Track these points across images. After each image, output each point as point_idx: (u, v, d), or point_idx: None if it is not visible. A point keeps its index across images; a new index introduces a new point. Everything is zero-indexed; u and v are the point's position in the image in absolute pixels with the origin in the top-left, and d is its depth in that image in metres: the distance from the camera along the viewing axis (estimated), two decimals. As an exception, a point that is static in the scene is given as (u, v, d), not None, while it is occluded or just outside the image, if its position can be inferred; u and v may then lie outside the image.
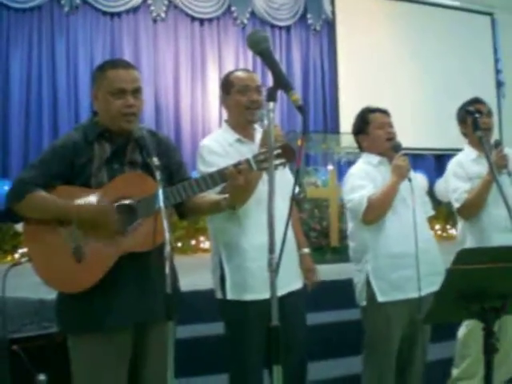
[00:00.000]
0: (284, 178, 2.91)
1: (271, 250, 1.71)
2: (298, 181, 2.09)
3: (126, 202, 2.36)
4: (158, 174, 2.22)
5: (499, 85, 12.55)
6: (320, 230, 7.13)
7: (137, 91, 2.47)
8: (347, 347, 4.24)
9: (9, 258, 7.52)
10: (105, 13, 9.64)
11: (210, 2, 10.30)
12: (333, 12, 11.20)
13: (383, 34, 11.32)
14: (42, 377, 3.00)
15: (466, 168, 3.57)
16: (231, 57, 10.50)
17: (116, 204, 2.37)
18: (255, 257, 2.75)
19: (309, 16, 11.16)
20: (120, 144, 2.48)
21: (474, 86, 10.04)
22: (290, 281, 2.92)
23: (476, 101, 3.64)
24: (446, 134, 8.88)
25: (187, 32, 10.30)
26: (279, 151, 2.35)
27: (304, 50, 11.27)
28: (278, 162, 2.34)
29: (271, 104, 1.78)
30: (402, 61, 11.36)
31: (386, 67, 11.10)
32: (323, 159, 8.55)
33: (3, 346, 3.04)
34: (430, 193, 3.35)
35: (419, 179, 3.38)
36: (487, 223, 3.48)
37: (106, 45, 9.64)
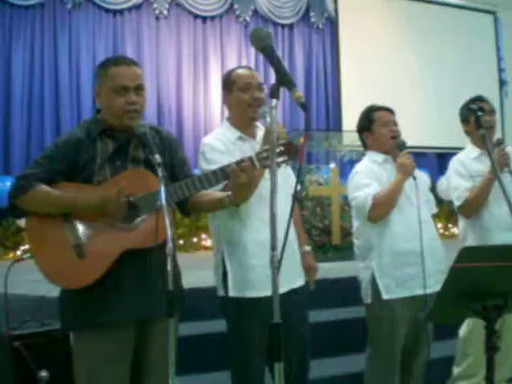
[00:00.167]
0: (286, 175, 2.91)
1: (273, 247, 1.71)
2: (299, 178, 2.08)
3: (128, 198, 2.36)
4: (159, 171, 2.22)
5: (502, 83, 12.55)
6: (322, 228, 7.12)
7: (139, 88, 2.47)
8: (350, 345, 4.25)
9: (11, 254, 7.53)
10: (107, 10, 9.67)
11: (212, -1, 10.32)
12: (335, 10, 11.20)
13: (386, 32, 11.32)
14: (43, 373, 3.01)
15: (467, 166, 3.56)
16: (234, 54, 10.51)
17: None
18: (257, 254, 2.75)
19: (311, 14, 11.17)
20: (123, 141, 2.49)
21: (476, 84, 10.04)
22: (293, 278, 2.92)
23: (478, 99, 3.64)
24: (448, 132, 8.89)
25: (189, 30, 10.31)
26: (282, 149, 2.35)
27: (307, 48, 11.27)
28: (280, 159, 2.33)
29: (274, 101, 1.78)
30: (404, 59, 11.35)
31: (389, 65, 11.10)
32: (325, 157, 8.53)
33: (5, 343, 3.05)
34: (432, 191, 3.35)
35: (423, 177, 3.39)
36: (488, 221, 3.47)
37: (109, 42, 9.66)
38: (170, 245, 2.05)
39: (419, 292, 3.06)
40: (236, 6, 10.52)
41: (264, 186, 2.64)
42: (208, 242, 8.20)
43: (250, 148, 2.84)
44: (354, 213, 3.40)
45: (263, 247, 2.30)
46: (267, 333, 1.74)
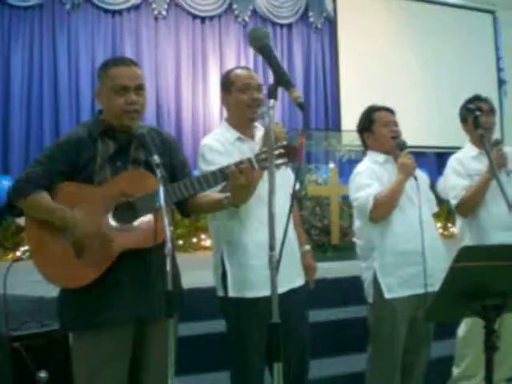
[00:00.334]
0: (285, 175, 2.91)
1: (271, 247, 1.71)
2: (298, 178, 2.08)
3: (127, 199, 2.37)
4: (158, 172, 2.22)
5: (501, 83, 12.56)
6: (321, 228, 7.12)
7: (139, 88, 2.48)
8: (349, 345, 4.25)
9: (10, 255, 7.51)
10: (106, 10, 9.67)
11: (211, -1, 10.32)
12: (334, 10, 11.21)
13: (384, 32, 11.32)
14: (42, 374, 3.01)
15: (465, 165, 3.57)
16: (232, 55, 10.51)
17: (116, 202, 2.37)
18: (257, 254, 2.75)
19: (310, 14, 11.18)
20: (123, 142, 2.50)
21: (475, 83, 10.04)
22: (292, 278, 2.92)
23: (477, 98, 3.64)
24: (447, 131, 8.90)
25: (188, 30, 10.31)
26: (282, 151, 2.34)
27: (305, 47, 11.28)
28: (280, 161, 2.33)
29: (272, 101, 1.78)
30: (403, 58, 11.35)
31: (388, 65, 11.10)
32: (324, 157, 8.54)
33: (4, 344, 3.05)
34: (432, 190, 3.36)
35: (422, 176, 3.40)
36: (486, 221, 3.48)
37: (108, 42, 9.67)
38: (169, 245, 2.06)
39: (421, 291, 3.07)
40: (235, 6, 10.52)
41: (263, 187, 2.63)
42: (207, 243, 8.19)
43: (248, 148, 2.84)
44: (356, 213, 3.41)
45: (262, 247, 2.30)
46: (266, 333, 1.74)
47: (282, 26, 11.06)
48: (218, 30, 10.55)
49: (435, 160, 11.36)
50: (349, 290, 4.59)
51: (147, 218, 2.35)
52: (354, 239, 3.52)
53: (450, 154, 3.75)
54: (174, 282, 2.07)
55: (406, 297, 3.16)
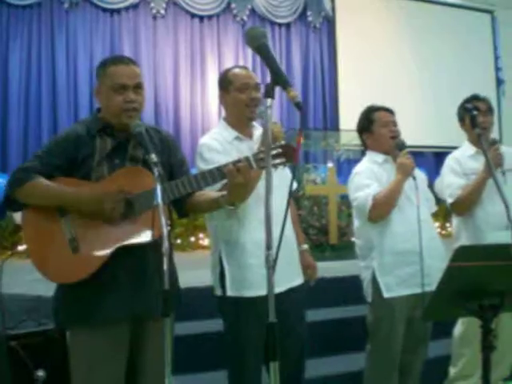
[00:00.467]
0: (283, 174, 2.91)
1: (268, 246, 1.71)
2: (295, 177, 2.08)
3: (125, 196, 2.37)
4: (155, 170, 2.22)
5: (499, 82, 12.56)
6: (319, 227, 7.12)
7: (138, 87, 2.49)
8: (348, 344, 4.26)
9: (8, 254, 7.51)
10: (104, 9, 9.67)
11: (209, -2, 10.32)
12: (333, 9, 11.20)
13: (383, 32, 11.32)
14: (40, 373, 3.00)
15: (462, 164, 3.57)
16: (231, 54, 10.51)
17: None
18: (255, 253, 2.75)
19: (308, 13, 11.17)
20: (122, 139, 2.50)
21: (473, 83, 10.06)
22: (291, 277, 2.93)
23: (474, 98, 3.64)
24: (445, 131, 8.90)
25: (187, 29, 10.31)
26: (279, 150, 2.34)
27: (304, 47, 11.27)
28: (278, 161, 2.33)
29: (269, 101, 1.78)
30: (401, 58, 11.36)
31: (386, 64, 11.10)
32: (323, 156, 8.54)
33: (2, 342, 3.04)
34: (430, 190, 3.37)
35: (421, 176, 3.41)
36: (481, 220, 3.48)
37: (106, 41, 9.66)
38: (166, 244, 2.05)
39: (419, 291, 3.08)
40: (233, 6, 10.52)
41: (262, 186, 2.63)
42: (205, 242, 8.18)
43: (247, 148, 2.84)
44: (355, 213, 3.43)
45: (261, 247, 2.30)
46: (264, 332, 1.75)
47: (280, 25, 11.05)
48: (217, 29, 10.55)
49: (433, 159, 11.35)
50: (347, 289, 4.60)
51: (144, 215, 2.35)
52: (353, 239, 3.53)
53: (448, 153, 3.75)
54: (170, 282, 2.06)
55: (404, 296, 3.17)
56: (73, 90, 9.32)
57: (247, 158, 2.39)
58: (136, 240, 2.35)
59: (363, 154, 3.51)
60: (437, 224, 9.30)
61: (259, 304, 2.67)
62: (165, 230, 2.07)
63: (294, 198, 4.39)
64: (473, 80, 10.97)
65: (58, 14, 9.31)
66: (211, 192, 2.61)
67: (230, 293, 2.82)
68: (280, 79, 1.80)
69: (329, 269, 5.21)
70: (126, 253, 2.35)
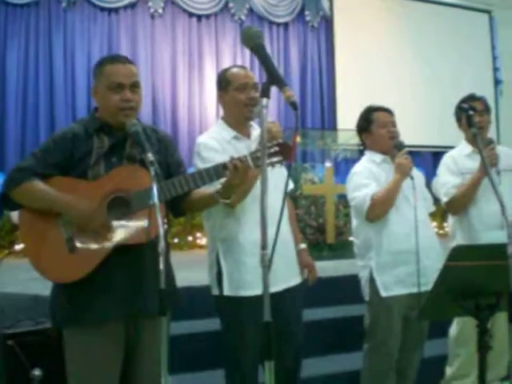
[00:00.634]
0: (280, 174, 2.91)
1: (263, 246, 1.71)
2: (291, 176, 2.08)
3: (121, 194, 2.36)
4: (152, 170, 2.22)
5: (497, 82, 12.56)
6: (316, 227, 7.12)
7: (135, 86, 2.49)
8: (345, 343, 4.26)
9: (5, 253, 7.50)
10: (102, 8, 9.66)
11: (207, -2, 10.31)
12: (330, 9, 11.20)
13: (380, 31, 11.32)
14: (36, 372, 3.00)
15: (458, 163, 3.59)
16: (228, 53, 10.51)
17: (110, 197, 2.37)
18: (252, 252, 2.74)
19: (306, 13, 11.17)
20: (119, 138, 2.49)
21: (471, 83, 10.06)
22: (289, 277, 2.93)
23: (471, 98, 3.65)
24: (443, 131, 8.91)
25: (184, 28, 10.30)
26: (276, 149, 2.35)
27: (302, 46, 11.27)
28: (275, 159, 2.34)
29: (264, 100, 1.78)
30: (398, 58, 11.36)
31: (383, 64, 11.11)
32: (321, 156, 8.54)
33: (-2, 341, 3.05)
34: (428, 189, 3.38)
35: (418, 176, 3.42)
36: (476, 219, 3.49)
37: (104, 40, 9.65)
38: (162, 243, 2.05)
39: (416, 290, 3.08)
40: (231, 5, 10.52)
41: (259, 184, 2.64)
42: (203, 241, 8.18)
43: (245, 147, 2.84)
44: (353, 213, 3.44)
45: (258, 246, 2.30)
46: (261, 331, 1.75)
47: (278, 24, 11.05)
48: (215, 28, 10.54)
49: (431, 159, 11.35)
50: (344, 288, 4.60)
51: (141, 214, 2.34)
52: (352, 238, 3.53)
53: (446, 153, 3.76)
54: (166, 281, 2.06)
55: (401, 295, 3.18)
56: (70, 88, 9.31)
57: (244, 157, 2.40)
58: (132, 240, 2.35)
59: (361, 153, 3.52)
60: (434, 224, 9.32)
61: (256, 303, 2.66)
62: (161, 230, 2.07)
63: (292, 197, 4.38)
64: (471, 80, 10.98)
65: (56, 13, 9.30)
66: (207, 189, 2.60)
67: (227, 292, 2.82)
68: (276, 79, 1.80)
69: (326, 268, 5.21)
70: (123, 252, 2.35)
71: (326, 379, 3.99)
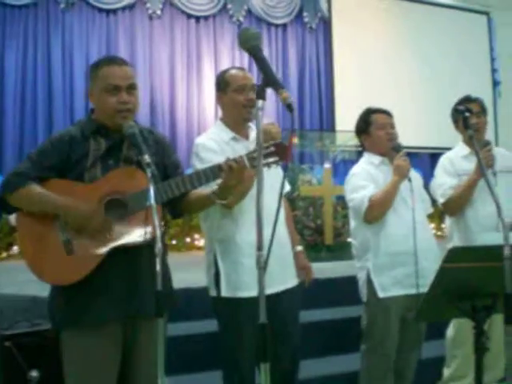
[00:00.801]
0: (276, 174, 2.91)
1: (259, 247, 1.71)
2: (287, 177, 2.08)
3: (118, 196, 2.36)
4: (148, 172, 2.22)
5: (495, 84, 12.57)
6: (314, 228, 7.12)
7: (131, 88, 2.48)
8: (343, 344, 4.26)
9: (3, 255, 7.51)
10: (101, 10, 9.65)
11: (205, -1, 10.31)
12: (329, 10, 11.20)
13: (379, 33, 11.32)
14: (34, 373, 3.00)
15: (455, 164, 3.59)
16: (227, 54, 10.51)
17: (107, 199, 2.37)
18: (250, 253, 2.73)
19: (305, 14, 11.18)
20: (116, 140, 2.49)
21: (469, 84, 10.03)
22: (286, 278, 2.93)
23: (466, 99, 3.65)
24: (441, 132, 8.89)
25: (183, 29, 10.30)
26: (272, 149, 2.35)
27: (300, 48, 11.27)
28: (271, 160, 2.34)
29: (260, 102, 1.78)
30: (397, 59, 11.36)
31: (382, 65, 11.11)
32: (319, 157, 8.54)
33: (-4, 342, 3.04)
34: (426, 191, 3.40)
35: (416, 177, 3.42)
36: (472, 221, 3.50)
37: (102, 42, 9.65)
38: (159, 245, 2.05)
39: (414, 291, 3.09)
40: (229, 6, 10.51)
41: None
42: (201, 242, 8.17)
43: (243, 148, 2.84)
44: (351, 214, 3.44)
45: (255, 247, 2.31)
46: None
47: (276, 26, 11.05)
48: (213, 29, 10.54)
49: (429, 161, 11.36)
50: (342, 290, 4.60)
51: (138, 215, 2.34)
52: (350, 239, 3.54)
53: (443, 154, 3.77)
54: (163, 282, 2.07)
55: (399, 296, 3.18)
56: (69, 90, 9.30)
57: (241, 157, 2.40)
58: (130, 241, 2.35)
59: (360, 154, 3.53)
60: (432, 225, 9.32)
61: (254, 304, 2.66)
62: (158, 231, 2.07)
63: (289, 198, 4.38)
64: (469, 81, 10.97)
65: (54, 14, 9.30)
66: (203, 190, 2.60)
67: (224, 293, 2.82)
68: (271, 81, 1.79)
69: (324, 269, 5.22)
70: (120, 254, 2.35)
71: (323, 380, 3.99)
